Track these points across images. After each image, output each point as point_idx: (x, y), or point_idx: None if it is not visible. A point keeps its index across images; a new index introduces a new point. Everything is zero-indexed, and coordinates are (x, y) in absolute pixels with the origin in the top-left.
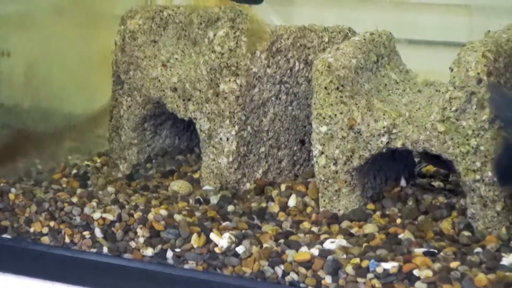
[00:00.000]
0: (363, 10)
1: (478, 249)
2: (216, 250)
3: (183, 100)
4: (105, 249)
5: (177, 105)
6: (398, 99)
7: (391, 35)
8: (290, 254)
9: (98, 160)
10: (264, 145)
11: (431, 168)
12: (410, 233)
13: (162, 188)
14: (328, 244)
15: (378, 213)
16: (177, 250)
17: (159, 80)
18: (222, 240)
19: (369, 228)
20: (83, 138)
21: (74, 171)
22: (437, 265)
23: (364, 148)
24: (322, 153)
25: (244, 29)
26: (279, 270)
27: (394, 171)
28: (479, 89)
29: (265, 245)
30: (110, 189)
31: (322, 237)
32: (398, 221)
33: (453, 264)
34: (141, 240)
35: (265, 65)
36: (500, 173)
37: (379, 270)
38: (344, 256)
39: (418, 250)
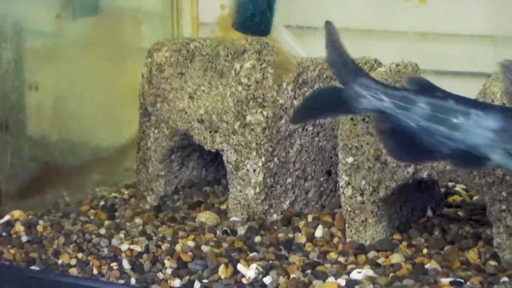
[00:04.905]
0: (388, 41)
1: (505, 279)
2: (244, 281)
3: (210, 131)
4: (132, 280)
5: (204, 137)
6: None
7: (417, 66)
8: (317, 285)
9: (126, 192)
10: (291, 176)
11: (457, 198)
12: (437, 263)
13: (190, 220)
14: (355, 275)
15: (404, 243)
16: (205, 281)
17: (186, 112)
18: (249, 271)
19: (395, 258)
20: (111, 170)
21: (102, 203)
22: None
23: (391, 178)
24: (349, 183)
25: (270, 61)
26: None
27: (420, 201)
28: None
29: (292, 276)
30: (138, 220)
31: (349, 267)
32: (425, 251)
33: None
34: (169, 271)
35: (291, 96)
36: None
37: None
38: (371, 286)
39: (445, 280)
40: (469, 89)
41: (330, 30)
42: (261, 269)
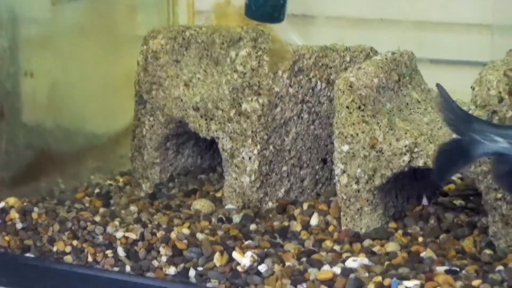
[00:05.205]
0: (384, 30)
1: (500, 267)
2: (239, 268)
3: (206, 119)
4: (127, 268)
5: (199, 125)
6: (420, 118)
7: (413, 54)
8: (312, 273)
9: (121, 180)
10: (286, 164)
11: (452, 187)
12: (432, 251)
13: (185, 207)
14: (350, 263)
15: (400, 231)
16: (200, 268)
17: (182, 100)
18: (244, 259)
19: (391, 246)
20: (106, 158)
21: (97, 190)
22: (459, 284)
23: (386, 167)
24: (344, 172)
25: (266, 48)
26: None
27: (416, 189)
28: (501, 108)
29: (287, 264)
30: (133, 208)
31: (344, 255)
32: (420, 239)
33: (475, 282)
34: (164, 259)
35: (287, 84)
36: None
37: None
38: (366, 274)
39: (440, 269)
40: (465, 78)
41: (441, 91)
42: (256, 257)
